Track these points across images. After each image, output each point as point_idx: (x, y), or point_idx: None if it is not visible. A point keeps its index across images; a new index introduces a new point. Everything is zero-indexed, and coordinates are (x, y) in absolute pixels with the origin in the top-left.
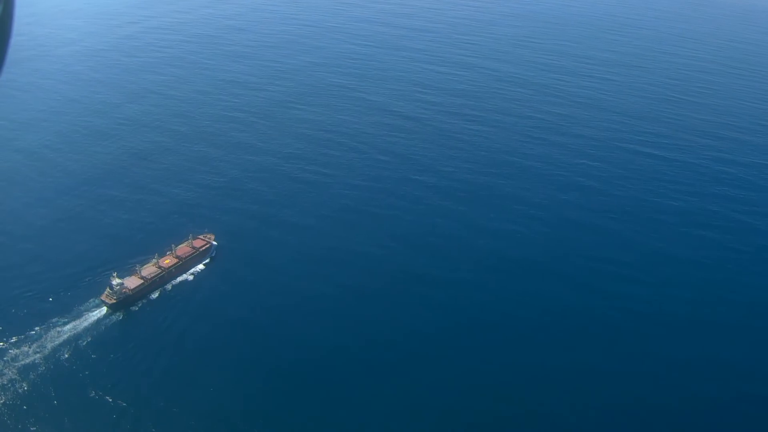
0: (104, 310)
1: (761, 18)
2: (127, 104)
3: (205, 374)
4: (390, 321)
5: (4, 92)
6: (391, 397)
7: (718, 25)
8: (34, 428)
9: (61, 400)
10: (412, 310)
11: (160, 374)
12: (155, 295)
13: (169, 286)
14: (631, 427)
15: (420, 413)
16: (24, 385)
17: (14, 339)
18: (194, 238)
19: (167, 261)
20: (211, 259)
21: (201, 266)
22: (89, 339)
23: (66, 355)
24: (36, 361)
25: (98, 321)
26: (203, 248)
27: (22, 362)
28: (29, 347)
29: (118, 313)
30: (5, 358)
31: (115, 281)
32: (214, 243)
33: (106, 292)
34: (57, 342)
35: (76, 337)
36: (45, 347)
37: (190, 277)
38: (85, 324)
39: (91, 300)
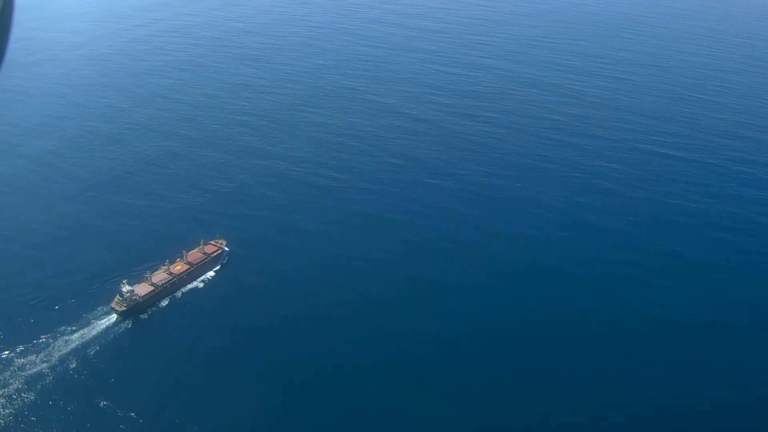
0: (113, 317)
1: None
2: (134, 109)
3: (217, 385)
4: (404, 329)
5: (9, 97)
6: (407, 406)
7: (734, 23)
8: None
9: (68, 410)
10: (427, 317)
11: (171, 385)
12: (165, 302)
13: (179, 294)
14: None
15: (436, 423)
16: (31, 395)
17: (21, 348)
18: (206, 244)
19: (178, 267)
20: (223, 265)
21: (212, 273)
22: (97, 348)
23: (74, 365)
24: (43, 371)
25: (107, 329)
26: (215, 254)
27: (29, 372)
28: (36, 356)
29: (127, 321)
30: (12, 368)
31: (125, 288)
32: (226, 249)
33: (115, 300)
34: (64, 351)
35: (84, 346)
36: (52, 356)
37: (202, 284)
38: (94, 332)
39: (100, 308)
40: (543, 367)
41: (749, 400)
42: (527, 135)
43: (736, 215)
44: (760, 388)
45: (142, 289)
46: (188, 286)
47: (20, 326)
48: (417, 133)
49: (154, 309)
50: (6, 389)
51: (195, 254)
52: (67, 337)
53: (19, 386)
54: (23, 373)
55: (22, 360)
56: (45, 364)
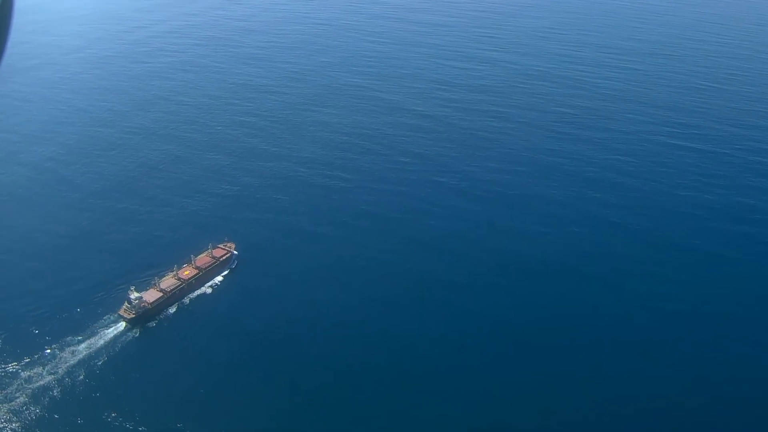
0: (121, 326)
1: None
2: (136, 112)
3: (228, 394)
4: (416, 331)
5: (7, 103)
6: (418, 408)
7: (746, 8)
8: None
9: (76, 425)
10: (437, 317)
11: (182, 396)
12: (173, 309)
13: (187, 300)
14: None
15: (448, 425)
16: (37, 409)
17: (26, 360)
18: (214, 248)
19: (187, 272)
20: (231, 269)
21: (221, 277)
22: (105, 358)
23: (81, 377)
24: (49, 384)
25: (114, 339)
26: (224, 258)
27: (35, 385)
28: (42, 368)
29: (134, 330)
30: (18, 381)
31: (134, 295)
32: (235, 252)
33: (124, 307)
34: (71, 362)
35: (91, 357)
36: (59, 368)
37: (210, 290)
38: (101, 342)
39: (106, 317)
40: (555, 365)
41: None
42: (537, 129)
43: (752, 206)
44: None
45: (151, 295)
46: (197, 291)
47: (25, 338)
48: (424, 130)
49: (162, 316)
50: (12, 403)
51: (204, 258)
52: (73, 348)
53: (26, 400)
54: (29, 386)
55: (28, 372)
56: (51, 377)
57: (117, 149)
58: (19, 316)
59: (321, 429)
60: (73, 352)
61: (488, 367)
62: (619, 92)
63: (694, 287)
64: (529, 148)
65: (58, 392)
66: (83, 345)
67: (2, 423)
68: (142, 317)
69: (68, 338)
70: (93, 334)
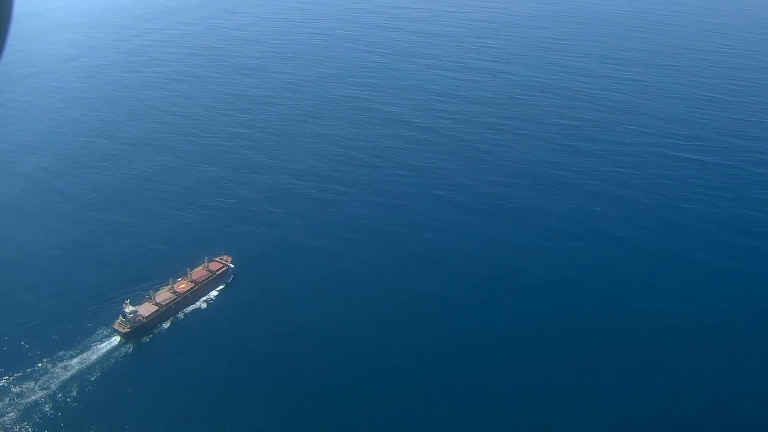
0: (114, 340)
1: None
2: (130, 123)
3: (224, 415)
4: (413, 346)
5: (1, 112)
6: (417, 425)
7: (749, 18)
8: None
9: None
10: (437, 333)
11: (177, 414)
12: (167, 324)
13: (182, 315)
14: None
15: None
16: (28, 426)
17: (18, 374)
18: (210, 261)
19: (183, 286)
20: (227, 284)
21: (216, 291)
22: (98, 374)
23: (74, 393)
24: (41, 399)
25: (107, 354)
26: (220, 271)
27: (27, 400)
28: (34, 383)
29: (128, 345)
30: (9, 396)
31: (129, 309)
32: (231, 266)
33: (118, 321)
34: (64, 378)
35: (84, 372)
36: (51, 383)
37: (206, 304)
38: (94, 357)
39: (99, 331)
40: (557, 382)
41: None
42: (537, 141)
43: (756, 219)
44: None
45: (146, 309)
46: (192, 306)
47: (16, 352)
48: (422, 142)
49: (156, 331)
50: (3, 419)
51: (200, 272)
52: (66, 363)
53: (17, 416)
54: (21, 402)
55: (20, 388)
56: (43, 392)
57: (111, 160)
58: (11, 329)
59: None
60: (65, 367)
61: (488, 383)
62: (621, 103)
63: (697, 301)
64: (528, 161)
65: (50, 408)
66: (76, 360)
67: None
68: (137, 331)
69: (61, 353)
70: (86, 348)
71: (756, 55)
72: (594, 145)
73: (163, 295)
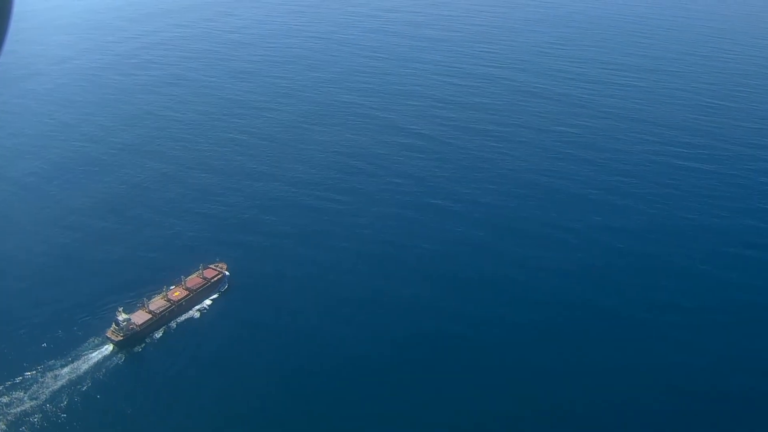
0: (105, 350)
1: None
2: (123, 128)
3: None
4: (411, 359)
5: None
6: None
7: (752, 23)
8: None
9: None
10: (434, 347)
11: (172, 430)
12: (159, 334)
13: (175, 324)
14: None
15: None
16: None
17: (6, 384)
18: (205, 268)
19: (177, 294)
20: (221, 293)
21: (210, 300)
22: (89, 384)
23: (64, 403)
24: (30, 410)
25: (99, 363)
26: (215, 279)
27: (15, 410)
28: (23, 393)
29: (120, 355)
30: None
31: (122, 317)
32: (227, 273)
33: (111, 329)
34: (54, 388)
35: (75, 382)
36: (41, 394)
37: (199, 314)
38: (85, 367)
39: (90, 339)
40: (561, 405)
41: None
42: (537, 149)
43: (762, 230)
44: None
45: (140, 317)
46: (185, 315)
47: (5, 360)
48: (420, 150)
49: (148, 341)
50: None
51: (194, 279)
52: (56, 372)
53: (5, 426)
54: (9, 412)
55: (8, 398)
56: (33, 402)
57: (103, 165)
58: (0, 338)
59: None
60: (55, 377)
61: (485, 399)
62: (623, 110)
63: (700, 314)
64: (528, 169)
65: (38, 419)
66: (66, 369)
67: None
68: (130, 340)
69: (51, 362)
70: (77, 357)
71: (760, 60)
72: (595, 154)
73: (157, 303)
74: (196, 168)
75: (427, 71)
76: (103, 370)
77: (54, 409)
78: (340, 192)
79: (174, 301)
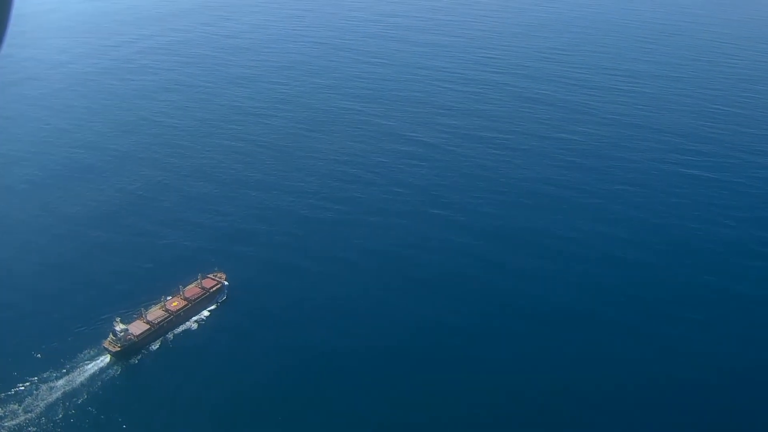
0: (102, 360)
1: None
2: (120, 134)
3: None
4: (411, 372)
5: None
6: None
7: (759, 28)
8: None
9: None
10: (434, 359)
11: None
12: (156, 346)
13: (171, 335)
14: None
15: None
16: None
17: (2, 396)
18: (204, 278)
19: (175, 304)
20: (219, 303)
21: (208, 312)
22: (85, 397)
23: (59, 416)
24: (24, 423)
25: (95, 375)
26: (214, 289)
27: (9, 423)
28: (17, 406)
29: (116, 368)
30: None
31: (119, 327)
32: (226, 283)
33: (108, 339)
34: (49, 400)
35: (70, 395)
36: (36, 406)
37: (199, 325)
38: (81, 379)
39: (87, 350)
40: (559, 414)
41: None
42: (541, 157)
43: None
44: None
45: (137, 327)
46: (183, 326)
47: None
48: (421, 158)
49: (145, 353)
50: None
51: (193, 289)
52: (51, 384)
53: None
54: (3, 425)
55: (2, 410)
56: (27, 415)
57: (98, 173)
58: None
59: None
60: (50, 389)
61: (486, 411)
62: (627, 117)
63: (707, 328)
64: (530, 178)
65: None
66: (62, 381)
67: None
68: (128, 351)
69: (45, 373)
70: (72, 369)
71: (766, 66)
72: (598, 162)
73: (155, 314)
74: (193, 176)
75: (428, 77)
76: (99, 383)
77: (49, 422)
78: (338, 201)
79: (172, 312)
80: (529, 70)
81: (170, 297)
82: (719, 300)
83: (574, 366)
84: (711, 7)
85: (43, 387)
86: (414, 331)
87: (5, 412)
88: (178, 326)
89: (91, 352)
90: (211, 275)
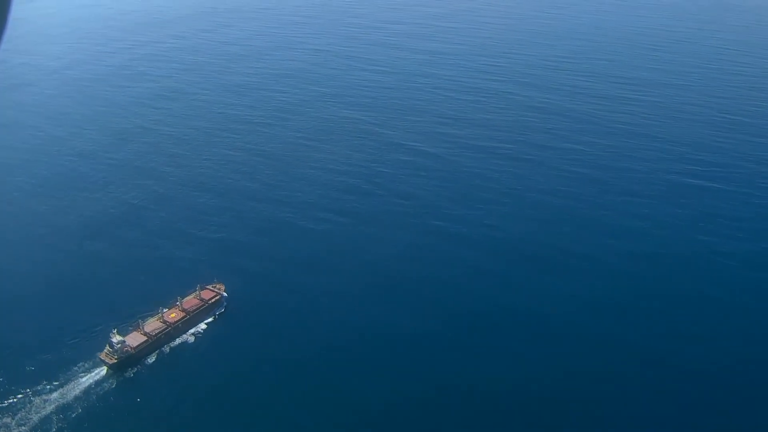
0: (99, 372)
1: None
2: (116, 143)
3: None
4: (413, 392)
5: None
6: None
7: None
8: None
9: None
10: (436, 379)
11: None
12: (152, 359)
13: (169, 348)
14: None
15: None
16: None
17: None
18: (202, 289)
19: (173, 315)
20: (217, 316)
21: (208, 322)
22: (80, 410)
23: (53, 429)
24: None
25: (90, 388)
26: (213, 300)
27: None
28: (11, 419)
29: (111, 381)
30: None
31: (116, 338)
32: (225, 294)
33: (105, 351)
34: (43, 413)
35: (65, 407)
36: (29, 419)
37: (196, 338)
38: (75, 392)
39: (82, 363)
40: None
41: None
42: (545, 168)
43: None
44: None
45: (135, 339)
46: (180, 339)
47: None
48: (423, 168)
49: (140, 366)
50: None
51: (191, 300)
52: (45, 397)
53: None
54: None
55: None
56: (21, 428)
57: (93, 182)
58: None
59: None
60: (44, 402)
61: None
62: (633, 126)
63: (714, 343)
64: (535, 189)
65: None
66: (56, 394)
67: None
68: (124, 363)
69: (40, 386)
70: (67, 381)
71: None
72: (604, 172)
73: (153, 325)
74: (190, 186)
75: (430, 86)
76: (94, 396)
77: None
78: (339, 213)
79: (170, 323)
80: (532, 78)
81: (168, 308)
82: (727, 315)
83: (579, 382)
84: (717, 13)
85: (37, 400)
86: (414, 345)
87: (0, 425)
88: (175, 338)
89: (86, 365)
90: (210, 286)
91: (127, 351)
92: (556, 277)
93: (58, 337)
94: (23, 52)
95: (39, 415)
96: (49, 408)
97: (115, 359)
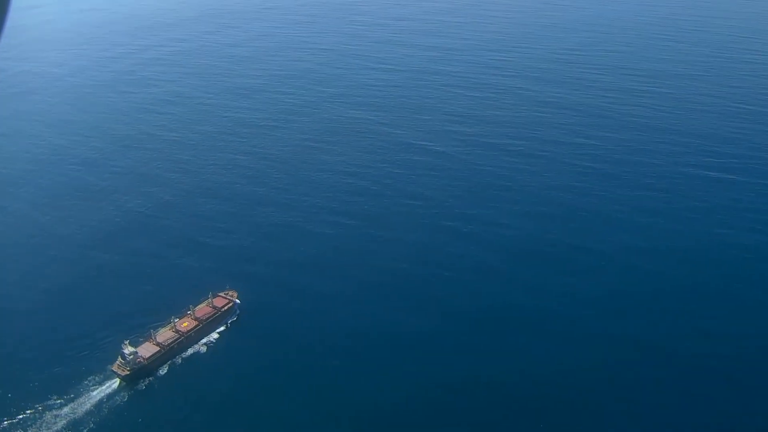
0: (111, 385)
1: None
2: (120, 150)
3: None
4: (430, 400)
5: None
6: None
7: None
8: None
9: None
10: (452, 384)
11: None
12: (164, 370)
13: (182, 359)
14: None
15: None
16: None
17: (4, 424)
18: (215, 297)
19: (186, 324)
20: (229, 324)
21: (220, 332)
22: (92, 425)
23: None
24: None
25: (101, 402)
26: (225, 308)
27: None
28: None
29: (123, 394)
30: None
31: (128, 350)
32: (237, 301)
33: (117, 363)
34: (54, 428)
35: (77, 423)
36: None
37: (208, 348)
38: (87, 406)
39: (91, 377)
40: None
41: None
42: (558, 164)
43: None
44: None
45: (147, 349)
46: (194, 347)
47: (2, 399)
48: (434, 168)
49: (152, 378)
50: None
51: (204, 309)
52: (56, 412)
53: None
54: None
55: None
56: None
57: (98, 191)
58: None
59: None
60: (55, 417)
61: None
62: (650, 120)
63: (736, 341)
64: (547, 186)
65: None
66: (67, 408)
67: None
68: (137, 374)
69: (50, 400)
70: (78, 394)
71: None
72: (618, 167)
73: (165, 335)
74: (197, 192)
75: (438, 83)
76: (106, 410)
77: None
78: (348, 216)
79: (183, 332)
80: (542, 72)
81: (180, 318)
82: (749, 311)
83: (594, 382)
84: (730, 0)
85: (48, 415)
86: (431, 347)
87: None
88: (188, 348)
89: (97, 378)
90: (222, 293)
91: (139, 362)
92: (572, 276)
93: (67, 349)
94: (23, 59)
95: (50, 431)
96: (61, 423)
97: (128, 371)
